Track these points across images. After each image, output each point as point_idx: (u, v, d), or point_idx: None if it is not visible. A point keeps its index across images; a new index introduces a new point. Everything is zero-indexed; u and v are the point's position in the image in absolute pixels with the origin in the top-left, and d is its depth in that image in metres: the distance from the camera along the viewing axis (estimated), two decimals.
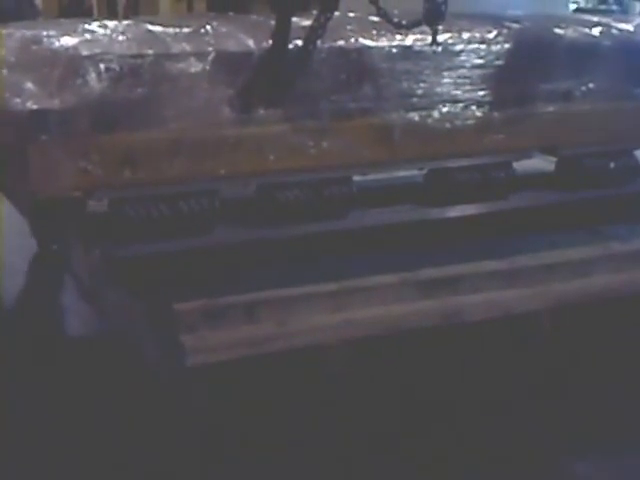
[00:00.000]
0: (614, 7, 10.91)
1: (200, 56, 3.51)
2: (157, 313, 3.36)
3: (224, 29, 3.69)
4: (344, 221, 3.94)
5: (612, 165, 4.52)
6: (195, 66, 3.50)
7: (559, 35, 4.38)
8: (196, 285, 3.45)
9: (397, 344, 3.66)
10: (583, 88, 4.30)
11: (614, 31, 4.59)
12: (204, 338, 3.30)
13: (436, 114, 3.93)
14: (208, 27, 3.66)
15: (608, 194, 4.58)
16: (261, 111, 3.61)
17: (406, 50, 3.90)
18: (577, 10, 13.77)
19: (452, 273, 3.92)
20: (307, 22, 3.69)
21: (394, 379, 3.73)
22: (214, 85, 3.54)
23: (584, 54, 4.39)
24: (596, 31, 4.53)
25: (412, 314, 3.76)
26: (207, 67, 3.52)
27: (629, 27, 4.71)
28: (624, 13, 10.40)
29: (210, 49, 3.54)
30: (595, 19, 4.81)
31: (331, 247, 3.84)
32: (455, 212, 4.21)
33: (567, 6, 12.04)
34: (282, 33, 3.57)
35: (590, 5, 14.96)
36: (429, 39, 3.86)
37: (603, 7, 13.68)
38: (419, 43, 3.93)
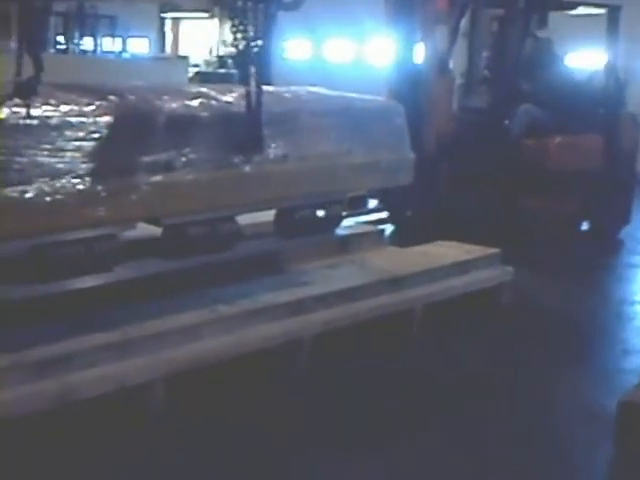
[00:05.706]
0: (233, 71, 11.37)
1: None
2: None
3: None
4: None
5: (216, 231, 4.69)
6: None
7: (160, 107, 4.49)
8: None
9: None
10: (184, 159, 4.43)
11: (213, 102, 4.81)
12: None
13: (34, 188, 3.82)
14: None
15: (214, 259, 4.75)
16: None
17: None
18: (197, 74, 14.23)
19: (64, 350, 3.86)
20: None
21: None
22: None
23: (185, 125, 4.53)
24: (196, 102, 4.71)
25: (26, 398, 3.65)
26: None
27: (229, 98, 4.95)
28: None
29: None
30: (197, 90, 5.00)
31: None
32: (63, 286, 4.14)
33: (187, 71, 12.43)
34: None
35: (211, 69, 15.52)
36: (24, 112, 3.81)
37: (223, 71, 14.21)
38: (13, 117, 3.82)
